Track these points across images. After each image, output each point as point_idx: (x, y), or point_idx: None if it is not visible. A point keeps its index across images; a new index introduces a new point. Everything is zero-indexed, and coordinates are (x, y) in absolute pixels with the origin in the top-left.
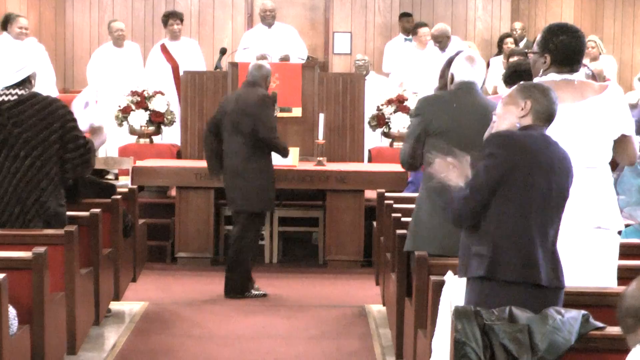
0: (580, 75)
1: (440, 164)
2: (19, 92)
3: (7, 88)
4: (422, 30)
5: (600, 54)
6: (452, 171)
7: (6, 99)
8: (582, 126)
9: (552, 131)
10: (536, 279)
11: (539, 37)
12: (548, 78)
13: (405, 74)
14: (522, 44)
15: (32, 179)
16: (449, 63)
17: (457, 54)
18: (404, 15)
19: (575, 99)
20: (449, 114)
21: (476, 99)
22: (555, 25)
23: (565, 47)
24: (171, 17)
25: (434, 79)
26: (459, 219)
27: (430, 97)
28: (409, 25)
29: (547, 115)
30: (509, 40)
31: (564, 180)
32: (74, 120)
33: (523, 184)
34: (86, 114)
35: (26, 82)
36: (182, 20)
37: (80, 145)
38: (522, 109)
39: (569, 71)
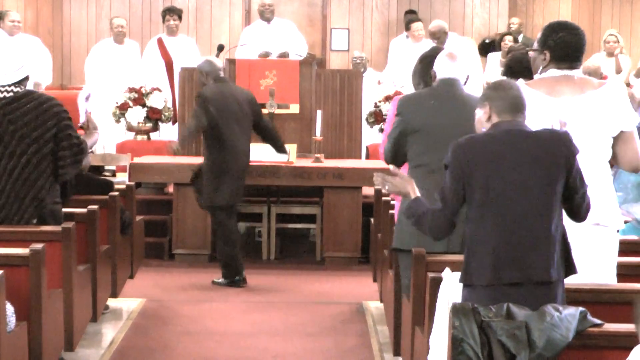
0: (579, 72)
1: (388, 182)
2: (15, 90)
3: (3, 85)
4: (415, 25)
5: (619, 49)
6: (398, 183)
7: (1, 95)
8: (581, 121)
9: (551, 125)
10: (508, 279)
11: (539, 34)
12: (548, 74)
13: (402, 70)
14: (520, 39)
15: (28, 176)
16: (420, 61)
17: (431, 49)
18: (409, 13)
19: (574, 94)
20: (427, 111)
21: (457, 95)
22: (554, 22)
23: (564, 44)
24: (168, 13)
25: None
26: (435, 231)
27: (409, 96)
28: None
29: (509, 106)
30: (508, 38)
31: (543, 168)
32: (69, 118)
33: (484, 186)
34: (87, 106)
35: (23, 80)
36: (180, 17)
37: (73, 144)
38: (485, 113)
39: (568, 67)
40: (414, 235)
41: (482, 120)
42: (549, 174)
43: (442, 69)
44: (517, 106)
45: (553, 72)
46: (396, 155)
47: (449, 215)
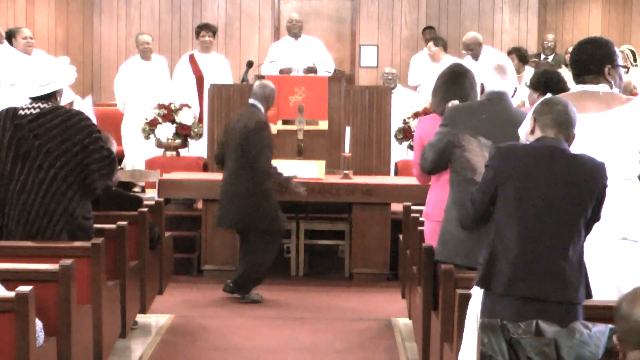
0: (605, 87)
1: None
2: (42, 105)
3: (32, 102)
4: (429, 44)
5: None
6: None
7: (28, 112)
8: (607, 136)
9: (577, 142)
10: (522, 292)
11: None
12: (573, 89)
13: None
14: (550, 58)
15: (57, 190)
16: (440, 78)
17: (450, 67)
18: (427, 28)
19: (600, 109)
20: (477, 125)
21: (506, 109)
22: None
23: (573, 60)
24: (204, 29)
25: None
26: (462, 220)
27: (460, 107)
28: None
29: (552, 122)
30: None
31: (576, 192)
32: (98, 131)
33: (516, 195)
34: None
35: (51, 96)
36: (214, 34)
37: (104, 156)
38: (530, 126)
39: (582, 81)
40: (456, 249)
41: (527, 132)
42: (580, 199)
43: (491, 81)
44: (560, 123)
45: (577, 87)
46: (438, 164)
47: (473, 213)
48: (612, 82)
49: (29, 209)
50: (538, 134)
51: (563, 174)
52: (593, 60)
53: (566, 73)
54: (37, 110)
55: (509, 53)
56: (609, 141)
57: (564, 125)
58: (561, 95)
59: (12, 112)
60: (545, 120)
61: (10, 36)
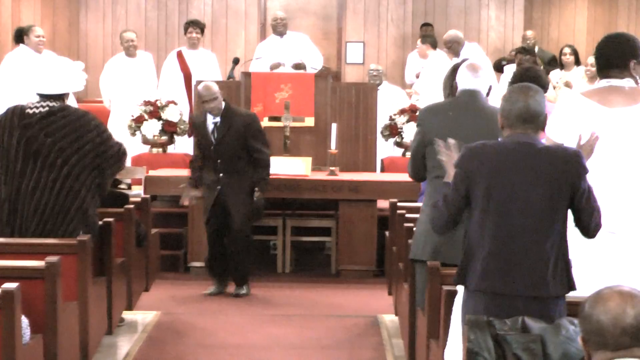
0: (630, 82)
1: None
2: (50, 104)
3: (40, 100)
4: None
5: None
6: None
7: (37, 110)
8: (634, 130)
9: (604, 136)
10: (491, 288)
11: None
12: (599, 84)
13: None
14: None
15: (71, 187)
16: (452, 72)
17: (462, 62)
18: (424, 25)
19: (626, 104)
20: (445, 123)
21: (477, 107)
22: None
23: (597, 53)
24: (191, 25)
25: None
26: (434, 225)
27: (428, 107)
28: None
29: (517, 120)
30: (525, 58)
31: (546, 185)
32: (107, 130)
33: (486, 193)
34: None
35: (61, 97)
36: (202, 30)
37: (115, 153)
38: (500, 122)
39: (606, 76)
40: (423, 245)
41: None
42: (551, 192)
43: (463, 80)
44: (524, 119)
45: (602, 82)
46: (416, 167)
47: (447, 214)
48: (637, 78)
49: (43, 207)
50: (507, 131)
51: (532, 168)
52: (617, 54)
53: (557, 73)
54: (47, 108)
55: (517, 53)
56: (635, 134)
57: (528, 119)
58: (589, 91)
59: (19, 111)
60: (509, 119)
61: (22, 34)
